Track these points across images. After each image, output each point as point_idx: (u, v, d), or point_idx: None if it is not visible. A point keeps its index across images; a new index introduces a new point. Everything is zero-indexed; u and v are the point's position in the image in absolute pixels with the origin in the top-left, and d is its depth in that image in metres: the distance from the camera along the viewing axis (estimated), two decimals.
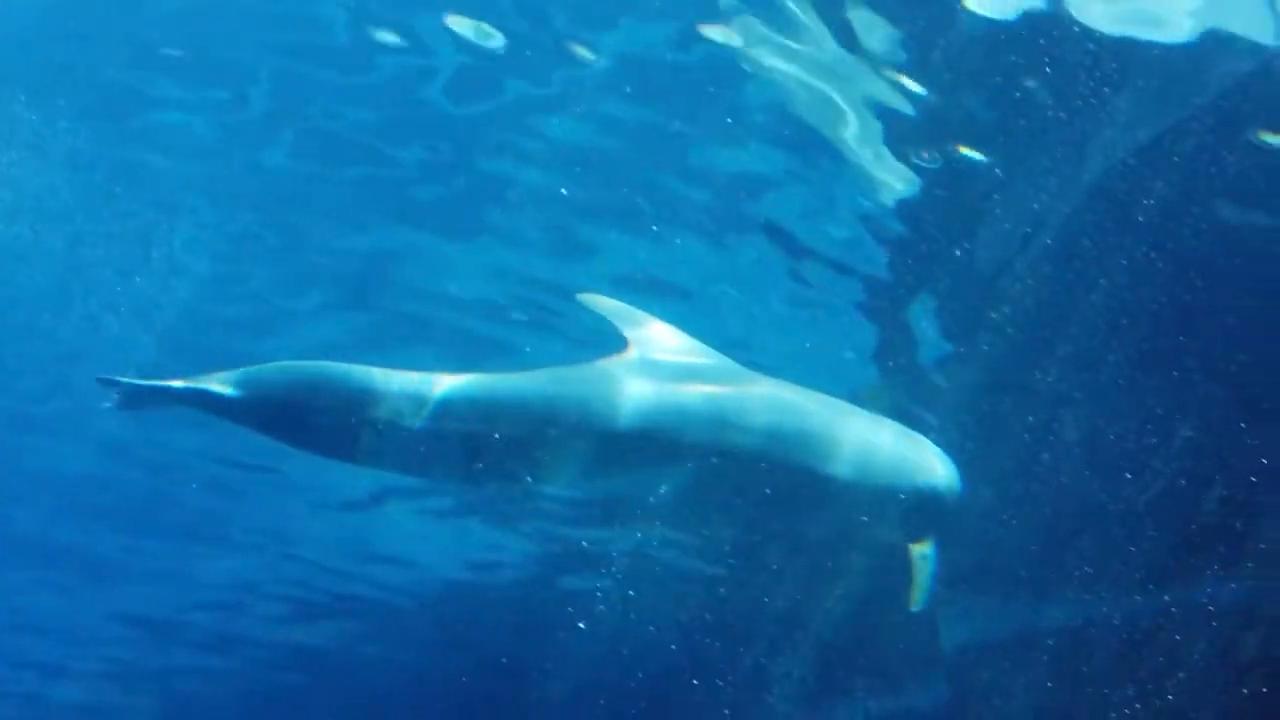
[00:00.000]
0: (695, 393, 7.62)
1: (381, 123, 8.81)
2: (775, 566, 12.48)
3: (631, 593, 16.09)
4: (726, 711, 17.63)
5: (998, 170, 8.63)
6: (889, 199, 9.11)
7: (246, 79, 8.53)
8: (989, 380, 10.66)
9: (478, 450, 7.50)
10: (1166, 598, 12.87)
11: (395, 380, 7.37)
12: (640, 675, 17.97)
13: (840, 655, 15.65)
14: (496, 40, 7.99)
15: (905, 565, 8.09)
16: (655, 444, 7.45)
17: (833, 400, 8.11)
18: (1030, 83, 7.83)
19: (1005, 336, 9.98)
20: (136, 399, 7.83)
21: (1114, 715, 13.29)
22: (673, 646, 16.53)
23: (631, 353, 7.79)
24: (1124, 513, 11.52)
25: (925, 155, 8.69)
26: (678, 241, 9.76)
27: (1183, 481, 11.13)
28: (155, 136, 9.10)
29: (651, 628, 16.70)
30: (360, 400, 7.30)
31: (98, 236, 10.09)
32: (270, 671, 24.19)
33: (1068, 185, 8.65)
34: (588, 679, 19.45)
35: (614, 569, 15.92)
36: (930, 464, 8.16)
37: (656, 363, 7.75)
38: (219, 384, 7.40)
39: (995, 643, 14.49)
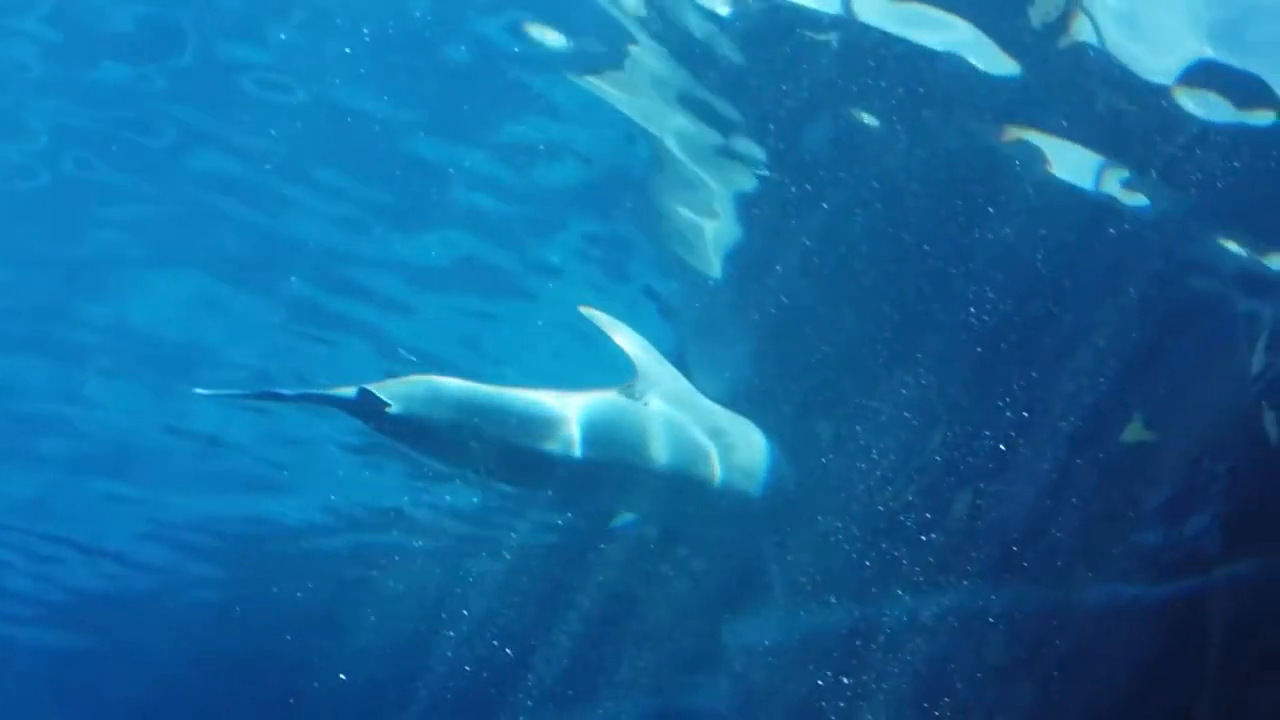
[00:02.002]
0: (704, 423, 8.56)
1: None
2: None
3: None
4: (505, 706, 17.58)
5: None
6: None
7: None
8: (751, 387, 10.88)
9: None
10: (936, 601, 13.25)
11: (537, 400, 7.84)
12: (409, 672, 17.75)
13: (623, 652, 15.71)
14: None
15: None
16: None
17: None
18: None
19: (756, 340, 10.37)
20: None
21: (890, 714, 13.64)
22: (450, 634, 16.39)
23: (645, 382, 8.41)
24: (884, 516, 11.80)
25: None
26: None
27: (937, 484, 11.38)
28: None
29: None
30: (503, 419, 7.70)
31: None
32: None
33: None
34: None
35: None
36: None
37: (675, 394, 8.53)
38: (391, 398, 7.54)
39: (778, 643, 14.71)
